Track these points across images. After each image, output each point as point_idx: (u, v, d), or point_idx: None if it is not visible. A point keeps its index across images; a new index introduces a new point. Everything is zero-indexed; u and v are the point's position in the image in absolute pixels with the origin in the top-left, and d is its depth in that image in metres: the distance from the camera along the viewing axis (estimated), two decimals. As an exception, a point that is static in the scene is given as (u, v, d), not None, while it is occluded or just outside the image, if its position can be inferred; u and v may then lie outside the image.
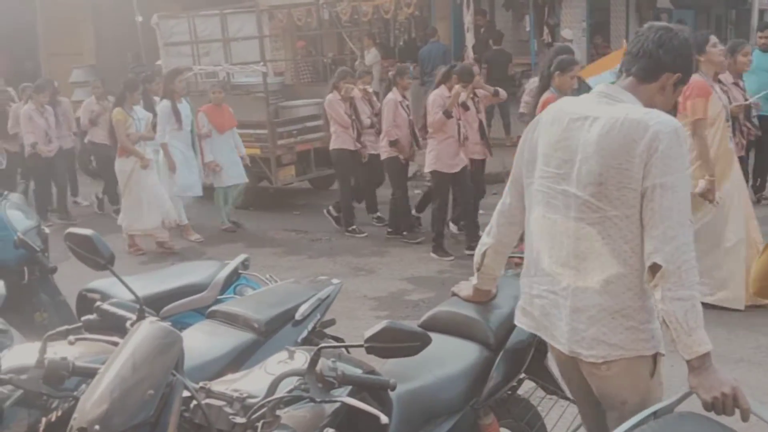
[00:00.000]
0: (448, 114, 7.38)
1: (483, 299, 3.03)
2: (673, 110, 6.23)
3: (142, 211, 8.23)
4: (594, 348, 2.46)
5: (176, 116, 8.65)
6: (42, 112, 9.62)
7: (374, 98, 9.15)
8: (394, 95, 8.31)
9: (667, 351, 2.50)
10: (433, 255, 7.74)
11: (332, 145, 8.75)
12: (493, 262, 2.92)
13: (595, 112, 2.46)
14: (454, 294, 3.15)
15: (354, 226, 8.76)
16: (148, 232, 8.43)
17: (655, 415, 2.22)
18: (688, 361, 2.28)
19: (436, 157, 7.61)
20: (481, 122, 7.99)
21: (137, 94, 8.45)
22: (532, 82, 8.01)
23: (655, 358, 2.50)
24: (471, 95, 7.76)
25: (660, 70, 2.49)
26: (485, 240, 2.91)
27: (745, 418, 2.22)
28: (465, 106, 7.70)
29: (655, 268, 2.29)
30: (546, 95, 6.32)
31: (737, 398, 2.21)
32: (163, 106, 8.66)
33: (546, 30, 13.99)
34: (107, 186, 10.08)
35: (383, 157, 8.39)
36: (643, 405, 2.41)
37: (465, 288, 3.10)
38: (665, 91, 2.51)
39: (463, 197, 7.94)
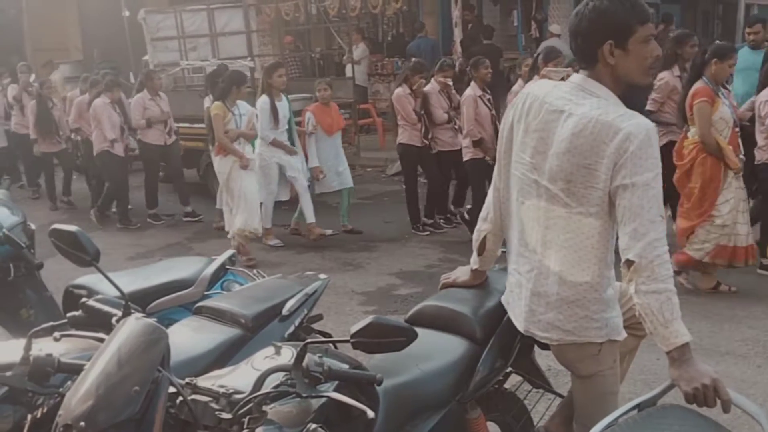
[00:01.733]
0: None
1: (480, 281, 3.10)
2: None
3: (249, 212, 7.58)
4: (548, 331, 2.63)
5: (274, 114, 7.95)
6: (114, 108, 9.31)
7: (453, 91, 8.43)
8: (472, 90, 7.69)
9: (652, 345, 2.54)
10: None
11: (399, 140, 8.40)
12: (493, 245, 2.99)
13: (570, 107, 2.48)
14: (444, 282, 3.18)
15: (418, 224, 8.40)
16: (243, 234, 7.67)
17: (638, 407, 2.24)
18: (667, 353, 2.33)
19: None
20: None
21: (244, 89, 7.81)
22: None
23: (605, 343, 2.62)
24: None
25: (592, 49, 2.46)
26: (483, 226, 2.96)
27: (726, 409, 2.25)
28: None
29: (629, 264, 2.35)
30: (698, 85, 5.98)
31: (718, 389, 2.24)
32: (262, 102, 7.96)
33: (534, 25, 14.00)
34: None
35: (466, 158, 7.76)
36: (592, 375, 2.66)
37: (462, 273, 3.14)
38: (619, 61, 2.44)
39: None
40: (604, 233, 2.51)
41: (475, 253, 3.02)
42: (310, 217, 8.18)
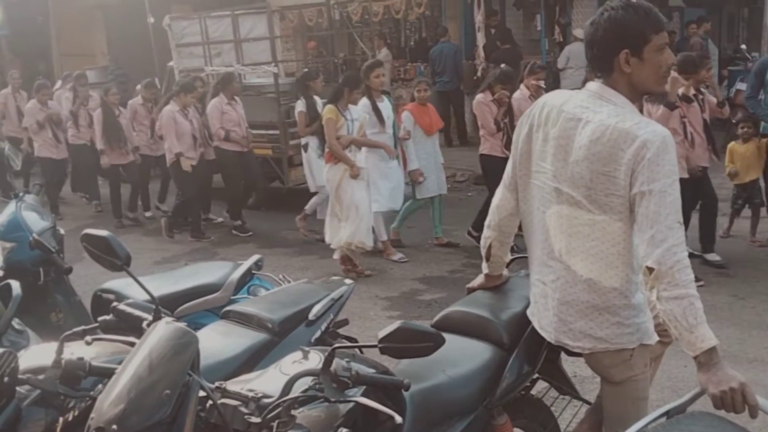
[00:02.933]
0: (671, 105, 6.43)
1: (496, 283, 3.17)
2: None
3: (359, 224, 7.09)
4: (580, 340, 2.63)
5: (378, 116, 7.55)
6: (186, 115, 8.92)
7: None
8: (521, 93, 7.44)
9: (679, 352, 2.52)
10: None
11: (480, 150, 7.89)
12: (499, 251, 3.05)
13: (587, 114, 2.50)
14: (469, 290, 3.22)
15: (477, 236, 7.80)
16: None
17: (667, 414, 2.23)
18: (694, 358, 2.32)
19: None
20: (705, 122, 6.87)
21: (357, 93, 7.34)
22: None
23: (637, 348, 2.62)
24: (694, 92, 6.84)
25: (608, 58, 2.49)
26: (488, 233, 3.01)
27: (753, 414, 2.23)
28: (687, 99, 6.73)
29: (649, 271, 2.35)
30: None
31: (745, 394, 2.22)
32: (362, 105, 7.51)
33: (557, 29, 13.93)
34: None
35: None
36: (624, 380, 2.66)
37: (478, 279, 3.22)
38: (635, 69, 2.47)
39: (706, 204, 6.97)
40: (629, 239, 2.51)
41: (484, 258, 3.08)
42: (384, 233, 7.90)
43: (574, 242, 2.56)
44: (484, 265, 3.11)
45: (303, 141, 8.66)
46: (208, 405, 2.13)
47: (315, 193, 8.57)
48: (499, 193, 2.91)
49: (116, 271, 2.66)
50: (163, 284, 3.83)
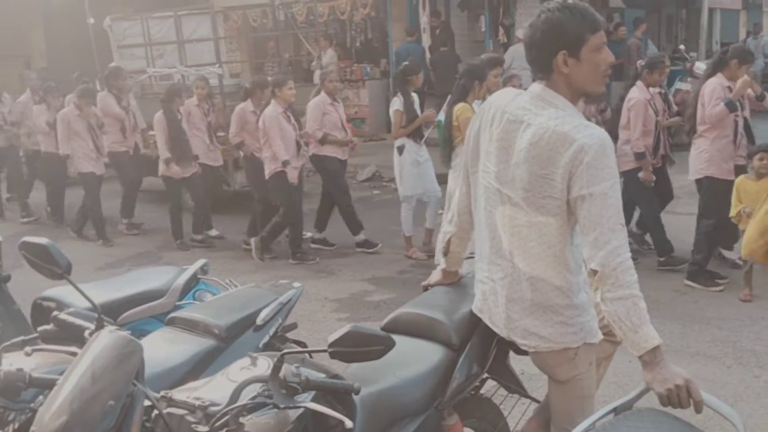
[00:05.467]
0: (732, 106, 6.19)
1: (453, 280, 3.19)
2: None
3: None
4: (526, 338, 2.68)
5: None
6: (288, 118, 7.78)
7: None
8: (640, 92, 6.86)
9: (624, 349, 2.57)
10: (692, 284, 6.43)
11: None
12: (458, 247, 3.08)
13: (529, 117, 2.52)
14: (425, 287, 3.24)
15: None
16: None
17: (615, 411, 2.26)
18: (639, 357, 2.35)
19: (709, 160, 6.35)
20: (746, 120, 6.54)
21: (480, 88, 6.68)
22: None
23: (581, 347, 2.66)
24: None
25: (547, 60, 2.51)
26: (448, 228, 3.06)
27: (698, 409, 2.28)
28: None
29: (593, 273, 2.39)
30: None
31: (690, 390, 2.27)
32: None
33: (501, 30, 14.08)
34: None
35: (623, 168, 6.60)
36: (569, 379, 2.69)
37: (434, 275, 3.24)
38: (573, 70, 2.48)
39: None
40: (566, 241, 2.55)
41: (440, 255, 3.10)
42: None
43: (516, 242, 2.60)
44: (441, 260, 3.14)
45: (398, 143, 7.67)
46: (153, 415, 2.10)
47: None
48: (457, 189, 2.95)
49: (56, 279, 2.59)
50: (106, 291, 3.74)
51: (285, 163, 7.51)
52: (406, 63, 7.84)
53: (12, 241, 3.26)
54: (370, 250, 8.02)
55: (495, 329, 2.78)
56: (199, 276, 4.08)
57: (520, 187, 2.52)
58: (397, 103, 7.60)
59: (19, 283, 4.25)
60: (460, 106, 6.46)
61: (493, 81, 6.88)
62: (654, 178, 6.87)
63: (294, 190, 7.73)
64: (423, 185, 7.60)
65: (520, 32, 13.34)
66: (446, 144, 6.60)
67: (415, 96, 7.68)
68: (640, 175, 6.80)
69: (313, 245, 8.21)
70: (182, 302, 3.86)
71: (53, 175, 9.86)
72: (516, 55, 12.69)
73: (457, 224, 2.99)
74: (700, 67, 11.33)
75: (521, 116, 2.54)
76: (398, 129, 7.59)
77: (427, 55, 12.73)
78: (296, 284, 3.68)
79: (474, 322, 2.89)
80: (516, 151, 2.53)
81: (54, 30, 15.84)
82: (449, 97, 6.78)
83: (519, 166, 2.52)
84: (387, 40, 14.72)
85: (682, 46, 14.54)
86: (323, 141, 7.97)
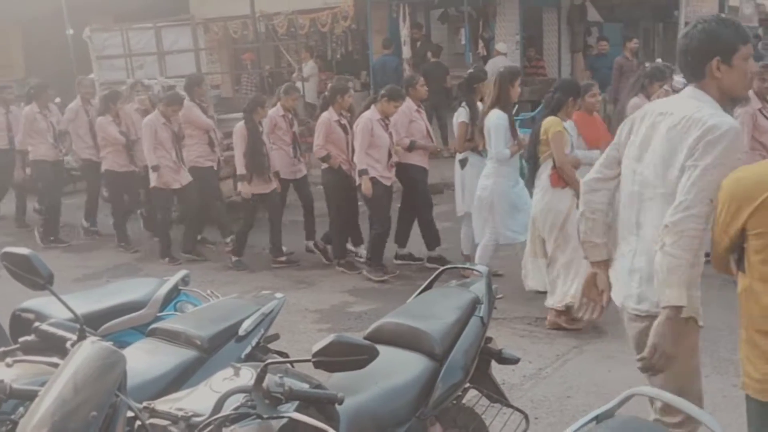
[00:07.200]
0: None
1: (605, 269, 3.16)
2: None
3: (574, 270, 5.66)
4: (640, 303, 2.88)
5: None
6: (387, 126, 7.21)
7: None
8: (642, 103, 6.20)
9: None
10: None
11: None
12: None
13: (674, 109, 2.81)
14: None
15: None
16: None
17: (596, 419, 2.28)
18: (662, 309, 2.61)
19: None
20: None
21: (581, 100, 6.10)
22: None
23: (688, 321, 2.79)
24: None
25: (701, 65, 2.76)
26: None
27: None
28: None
29: (665, 227, 2.62)
30: None
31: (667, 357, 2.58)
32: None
33: (481, 43, 14.19)
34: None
35: None
36: (679, 358, 2.74)
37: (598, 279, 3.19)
38: (725, 75, 2.73)
39: None
40: None
41: (598, 238, 3.09)
42: None
43: (642, 215, 2.87)
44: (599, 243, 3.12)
45: (460, 156, 7.21)
46: (136, 426, 2.08)
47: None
48: (596, 174, 3.13)
49: (38, 290, 2.58)
50: (86, 302, 3.71)
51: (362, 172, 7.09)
52: (471, 71, 7.38)
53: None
54: (413, 263, 7.66)
55: (615, 300, 3.02)
56: (180, 287, 4.06)
57: (653, 162, 2.78)
58: (462, 115, 7.14)
59: (-3, 295, 4.22)
60: (550, 120, 5.85)
61: (590, 101, 6.37)
62: None
63: (386, 203, 7.39)
64: (513, 226, 6.57)
65: (499, 45, 13.46)
66: (531, 159, 5.99)
67: (480, 105, 7.04)
68: None
69: (396, 261, 7.72)
70: (163, 313, 3.84)
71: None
72: (495, 69, 12.78)
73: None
74: (679, 81, 11.37)
75: (668, 109, 2.83)
76: (462, 142, 7.14)
77: (405, 67, 12.77)
78: (278, 295, 3.68)
79: (457, 332, 2.91)
80: (657, 136, 2.80)
81: (33, 40, 15.74)
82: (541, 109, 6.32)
83: (656, 147, 2.78)
84: (367, 52, 14.78)
85: (659, 60, 14.69)
86: (411, 148, 7.48)
